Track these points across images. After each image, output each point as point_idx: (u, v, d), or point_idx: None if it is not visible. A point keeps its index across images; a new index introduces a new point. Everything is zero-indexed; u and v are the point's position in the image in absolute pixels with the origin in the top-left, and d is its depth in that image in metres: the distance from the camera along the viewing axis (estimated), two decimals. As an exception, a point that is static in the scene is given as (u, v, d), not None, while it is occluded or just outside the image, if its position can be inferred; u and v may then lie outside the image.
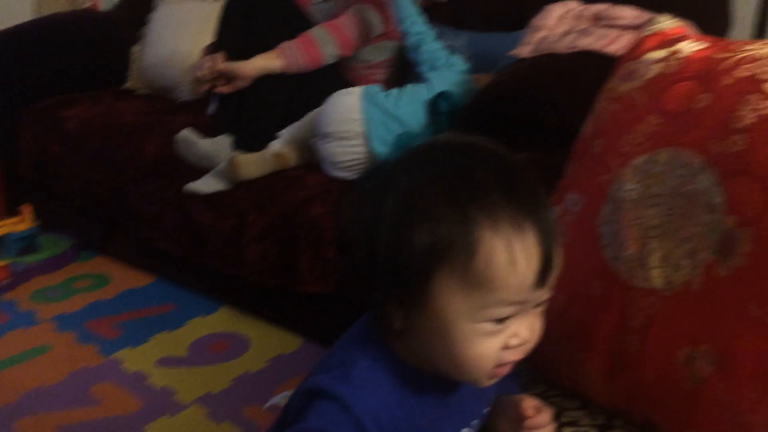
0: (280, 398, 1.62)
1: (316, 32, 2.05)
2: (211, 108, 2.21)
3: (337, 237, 0.87)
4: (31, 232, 2.40)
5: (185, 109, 2.49)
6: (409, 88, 1.87)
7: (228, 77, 2.01)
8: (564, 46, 1.67)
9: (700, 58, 0.91)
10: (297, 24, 2.10)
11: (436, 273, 0.62)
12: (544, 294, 0.65)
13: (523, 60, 1.76)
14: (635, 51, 1.01)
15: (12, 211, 2.48)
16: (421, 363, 0.69)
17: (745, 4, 1.92)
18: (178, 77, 2.60)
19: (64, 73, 2.70)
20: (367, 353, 0.69)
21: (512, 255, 0.61)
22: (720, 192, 0.80)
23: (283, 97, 2.04)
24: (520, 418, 0.75)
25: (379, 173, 0.67)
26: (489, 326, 0.63)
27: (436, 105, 1.82)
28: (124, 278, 2.34)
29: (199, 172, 2.00)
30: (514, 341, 0.65)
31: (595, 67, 1.24)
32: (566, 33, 1.73)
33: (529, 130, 1.52)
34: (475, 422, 0.77)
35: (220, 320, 2.09)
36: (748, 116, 0.81)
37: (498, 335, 0.64)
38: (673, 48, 0.95)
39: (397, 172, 0.66)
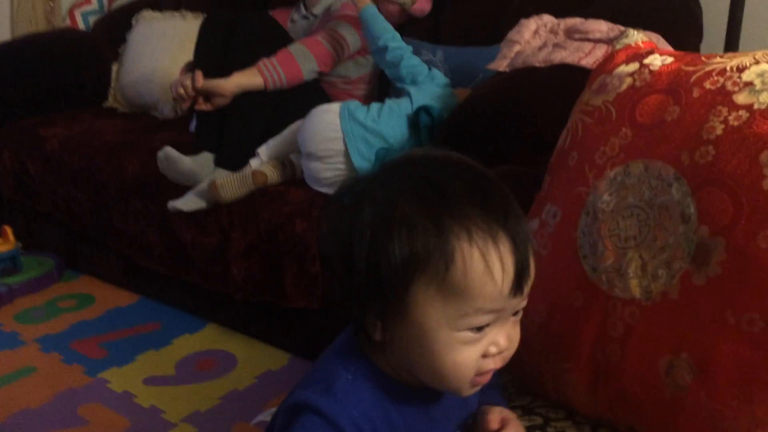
0: (268, 414, 1.62)
1: (295, 49, 2.06)
2: (193, 125, 2.21)
3: (320, 252, 0.88)
4: (13, 253, 2.38)
5: (166, 126, 2.49)
6: (390, 103, 1.87)
7: (208, 95, 2.01)
8: (540, 59, 1.69)
9: (670, 71, 0.93)
10: (276, 41, 2.10)
11: (414, 284, 0.63)
12: (520, 302, 0.67)
13: (500, 74, 1.78)
14: (607, 64, 1.03)
15: (-7, 233, 2.46)
16: (403, 374, 0.70)
17: (715, 17, 1.95)
18: (157, 95, 2.60)
19: (44, 92, 2.69)
20: (349, 366, 0.70)
21: (488, 264, 0.62)
22: (692, 202, 0.81)
23: (263, 113, 2.05)
24: (486, 431, 0.77)
25: (355, 187, 0.68)
26: (468, 335, 0.65)
27: (417, 119, 1.83)
28: (109, 297, 2.33)
29: (181, 189, 2.00)
30: (492, 349, 0.66)
31: (571, 80, 1.25)
32: (542, 47, 1.75)
33: (508, 143, 1.54)
34: (458, 432, 0.78)
35: (207, 338, 2.08)
36: (718, 127, 0.83)
37: (477, 344, 0.65)
38: (644, 61, 0.97)
39: (372, 186, 0.67)
